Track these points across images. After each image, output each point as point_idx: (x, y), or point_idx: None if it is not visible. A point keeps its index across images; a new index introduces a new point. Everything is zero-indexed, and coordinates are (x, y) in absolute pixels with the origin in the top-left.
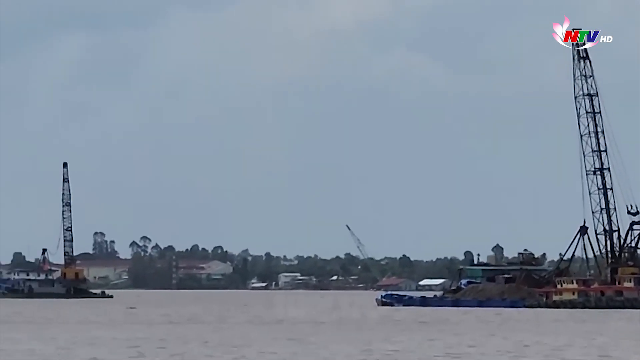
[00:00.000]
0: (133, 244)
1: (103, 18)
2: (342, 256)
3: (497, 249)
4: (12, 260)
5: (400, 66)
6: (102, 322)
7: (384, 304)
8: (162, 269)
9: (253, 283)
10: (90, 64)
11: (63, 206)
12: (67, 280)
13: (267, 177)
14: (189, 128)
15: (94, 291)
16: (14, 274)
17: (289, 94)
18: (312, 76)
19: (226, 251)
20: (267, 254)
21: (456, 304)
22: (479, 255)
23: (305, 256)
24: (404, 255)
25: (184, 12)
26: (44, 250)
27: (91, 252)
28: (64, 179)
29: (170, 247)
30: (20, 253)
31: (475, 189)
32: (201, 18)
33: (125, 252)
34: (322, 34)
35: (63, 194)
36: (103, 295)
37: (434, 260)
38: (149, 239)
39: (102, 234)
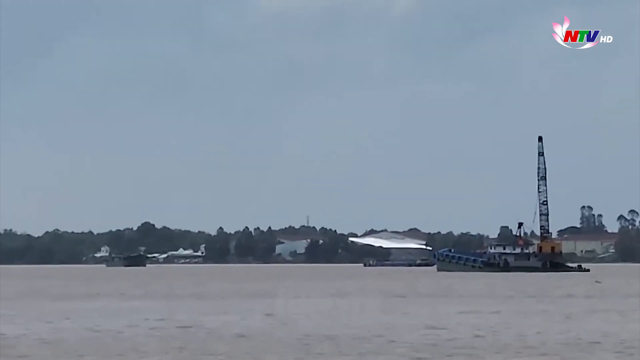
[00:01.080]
0: (620, 217)
1: None
2: None
3: None
4: (498, 234)
5: None
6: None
7: None
8: None
9: None
10: None
11: (538, 180)
12: (542, 254)
13: None
14: None
15: (570, 265)
16: (490, 248)
17: None
18: None
19: None
20: None
21: None
22: None
23: None
24: None
25: None
26: (520, 224)
27: (578, 226)
28: (539, 153)
29: None
30: (507, 227)
31: None
32: None
33: (612, 226)
34: None
35: (538, 168)
36: (579, 269)
37: None
38: (637, 213)
39: (590, 207)
